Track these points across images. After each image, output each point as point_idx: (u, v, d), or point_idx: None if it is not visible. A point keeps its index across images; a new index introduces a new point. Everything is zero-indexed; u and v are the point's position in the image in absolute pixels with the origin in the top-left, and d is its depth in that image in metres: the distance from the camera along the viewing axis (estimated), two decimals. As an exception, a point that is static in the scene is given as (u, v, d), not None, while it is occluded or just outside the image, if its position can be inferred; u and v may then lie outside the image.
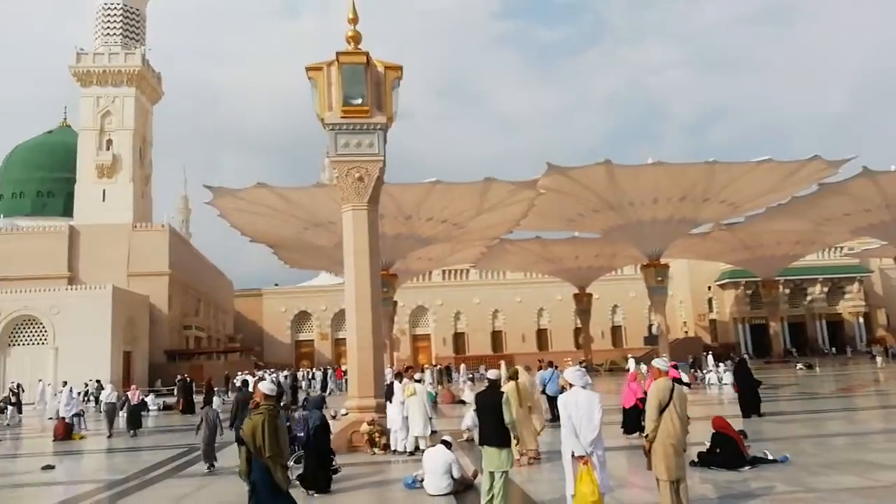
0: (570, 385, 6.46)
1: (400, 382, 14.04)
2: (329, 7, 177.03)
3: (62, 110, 67.17)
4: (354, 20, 14.88)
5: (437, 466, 8.79)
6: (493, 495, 7.13)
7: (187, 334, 56.80)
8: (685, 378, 27.03)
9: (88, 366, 38.36)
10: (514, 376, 10.97)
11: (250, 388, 16.83)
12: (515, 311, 70.97)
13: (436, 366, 41.23)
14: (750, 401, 16.68)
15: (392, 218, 31.48)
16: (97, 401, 29.82)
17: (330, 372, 41.21)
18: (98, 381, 33.76)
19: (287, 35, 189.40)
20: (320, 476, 9.47)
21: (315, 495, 9.11)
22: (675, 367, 20.04)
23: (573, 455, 5.97)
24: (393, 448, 12.94)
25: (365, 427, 13.28)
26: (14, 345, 41.52)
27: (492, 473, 7.16)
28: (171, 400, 31.88)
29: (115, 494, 10.60)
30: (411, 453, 12.47)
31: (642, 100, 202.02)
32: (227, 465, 13.19)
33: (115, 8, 57.09)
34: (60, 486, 12.06)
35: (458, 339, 72.13)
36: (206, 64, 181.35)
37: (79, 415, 21.69)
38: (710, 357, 36.87)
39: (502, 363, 24.71)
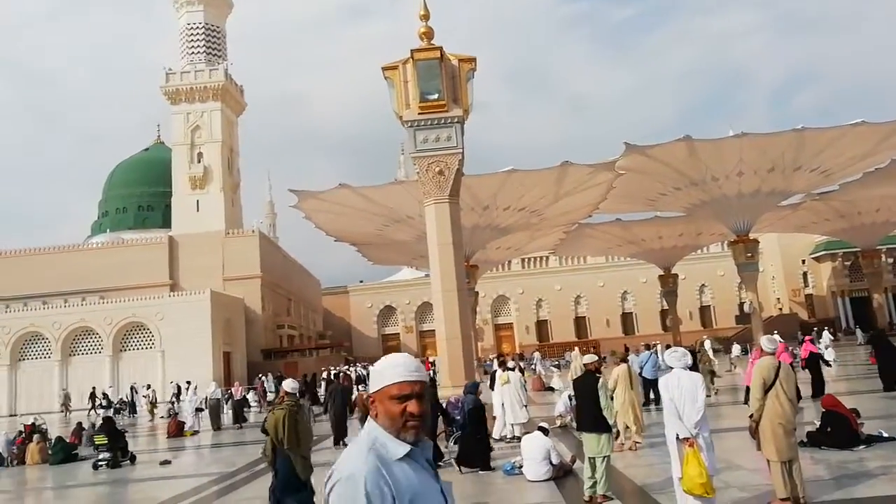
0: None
1: (503, 371, 14.26)
2: (398, 7, 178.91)
3: (156, 128, 71.37)
4: (426, 16, 15.06)
5: (535, 453, 8.87)
6: (595, 481, 7.14)
7: (280, 333, 59.17)
8: (830, 355, 25.78)
9: (192, 367, 40.62)
10: (624, 359, 10.90)
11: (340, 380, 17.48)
12: (598, 295, 69.84)
13: (512, 355, 41.14)
14: (890, 373, 15.81)
15: (469, 209, 31.61)
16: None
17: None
18: (188, 382, 35.92)
19: (359, 38, 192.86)
20: (478, 454, 9.93)
21: (479, 472, 9.65)
22: (811, 341, 19.25)
23: (678, 437, 5.92)
24: (493, 435, 13.14)
25: (459, 416, 13.52)
26: (125, 350, 44.56)
27: (592, 459, 7.18)
28: (270, 397, 33.33)
29: (227, 486, 11.27)
30: (509, 440, 12.62)
31: (720, 71, 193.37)
32: (319, 459, 13.76)
33: (198, 27, 59.89)
34: (178, 479, 12.87)
35: (541, 327, 71.72)
36: (284, 73, 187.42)
37: (199, 409, 22.97)
38: (825, 333, 35.36)
39: (575, 349, 24.39)
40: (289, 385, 7.56)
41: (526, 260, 71.68)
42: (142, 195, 64.61)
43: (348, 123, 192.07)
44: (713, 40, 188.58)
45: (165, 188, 58.57)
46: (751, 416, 6.25)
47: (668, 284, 52.41)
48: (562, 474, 8.89)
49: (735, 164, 32.43)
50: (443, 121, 14.60)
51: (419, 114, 14.60)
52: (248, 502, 9.64)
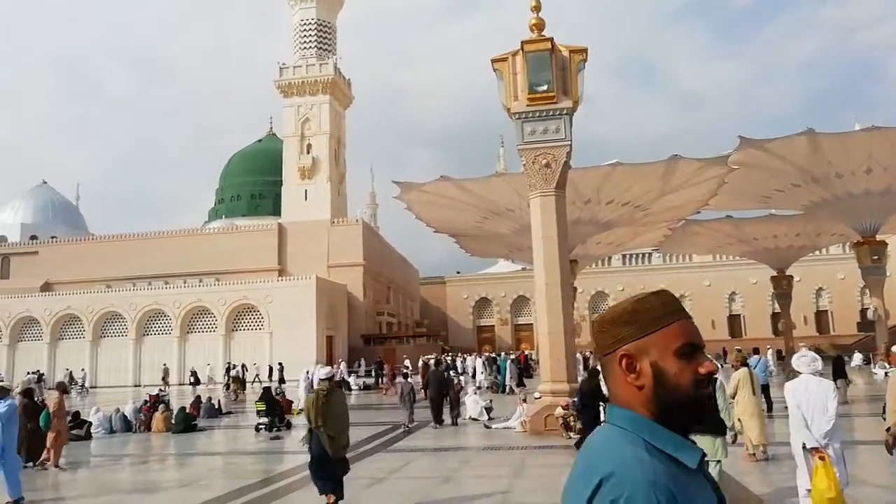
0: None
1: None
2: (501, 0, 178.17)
3: (269, 121, 74.97)
4: (537, 7, 14.92)
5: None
6: None
7: (380, 320, 60.78)
8: None
9: (298, 349, 42.53)
10: (744, 362, 10.27)
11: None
12: (703, 295, 66.94)
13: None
14: None
15: (570, 203, 30.82)
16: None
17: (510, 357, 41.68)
18: (280, 364, 37.75)
19: (462, 32, 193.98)
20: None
21: None
22: None
23: (804, 447, 5.60)
24: None
25: (559, 411, 13.39)
26: (237, 329, 47.24)
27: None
28: (370, 381, 34.40)
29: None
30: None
31: (846, 63, 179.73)
32: (426, 444, 14.06)
33: (310, 23, 62.22)
34: (287, 454, 13.56)
35: (642, 326, 69.59)
36: (389, 66, 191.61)
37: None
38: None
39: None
40: (323, 372, 8.41)
41: (627, 256, 69.84)
42: (255, 184, 68.17)
43: (448, 116, 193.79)
44: (837, 30, 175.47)
45: (276, 177, 61.44)
46: (888, 430, 5.82)
47: (782, 286, 49.40)
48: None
49: (863, 160, 30.14)
50: (551, 112, 14.46)
51: (527, 105, 14.52)
52: (357, 481, 9.98)
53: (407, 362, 32.00)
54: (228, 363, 39.88)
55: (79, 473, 11.82)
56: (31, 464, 11.93)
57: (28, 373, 37.41)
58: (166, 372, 40.45)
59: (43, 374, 29.75)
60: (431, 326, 72.31)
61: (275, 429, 16.43)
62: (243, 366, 37.89)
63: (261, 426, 16.50)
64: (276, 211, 61.51)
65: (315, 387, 8.42)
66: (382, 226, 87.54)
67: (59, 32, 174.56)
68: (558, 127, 14.52)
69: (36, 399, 12.74)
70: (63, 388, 13.96)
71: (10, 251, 60.75)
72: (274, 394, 18.44)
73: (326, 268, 54.29)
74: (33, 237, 64.77)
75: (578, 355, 23.56)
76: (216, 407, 20.90)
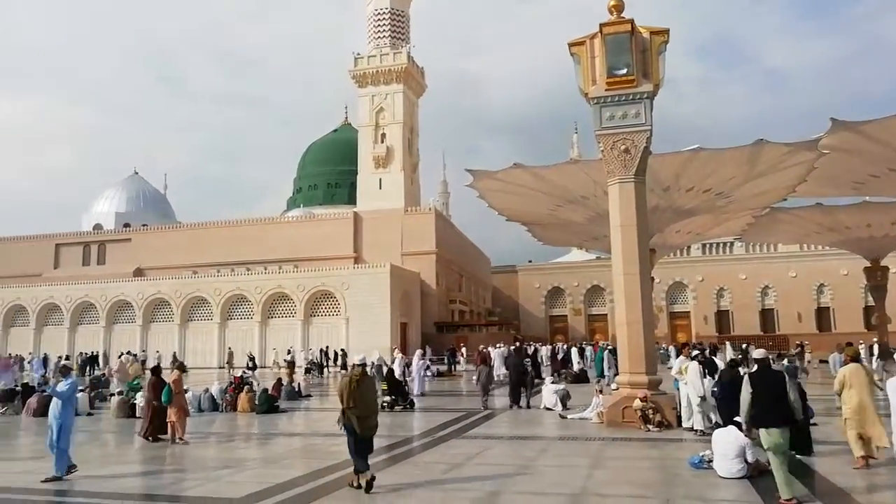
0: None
1: (688, 359, 13.64)
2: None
3: (343, 110, 76.51)
4: (617, -11, 14.53)
5: (728, 449, 8.40)
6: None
7: (452, 308, 61.21)
8: None
9: (373, 334, 43.46)
10: (855, 358, 9.57)
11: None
12: (789, 287, 63.95)
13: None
14: None
15: (649, 190, 29.79)
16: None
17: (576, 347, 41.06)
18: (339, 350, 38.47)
19: (537, 15, 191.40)
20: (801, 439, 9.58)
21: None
22: None
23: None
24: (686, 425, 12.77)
25: (637, 403, 13.15)
26: (315, 315, 48.65)
27: (772, 453, 6.93)
28: (444, 367, 34.73)
29: (408, 450, 11.93)
30: (699, 432, 12.13)
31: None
32: (501, 432, 14.07)
33: (384, 12, 62.92)
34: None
35: (722, 318, 67.30)
36: (461, 53, 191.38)
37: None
38: None
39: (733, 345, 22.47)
40: (356, 358, 9.22)
41: (707, 245, 67.51)
42: (330, 173, 69.82)
43: (521, 104, 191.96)
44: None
45: (352, 167, 62.66)
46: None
47: (876, 278, 46.50)
48: (756, 473, 8.33)
49: (972, 142, 27.91)
50: (631, 97, 14.09)
51: (606, 90, 14.20)
52: (434, 466, 10.12)
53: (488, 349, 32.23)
54: (325, 348, 41.15)
55: (175, 449, 12.49)
56: (166, 437, 12.81)
57: (122, 353, 39.74)
58: (231, 356, 42.19)
59: (136, 355, 31.57)
60: (503, 315, 72.23)
61: (397, 406, 18.11)
62: (322, 351, 39.13)
63: (384, 404, 17.88)
64: (352, 200, 62.80)
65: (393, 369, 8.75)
66: (454, 214, 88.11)
67: (148, 27, 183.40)
68: (638, 111, 14.15)
69: (162, 377, 13.64)
70: (182, 367, 14.94)
71: (105, 238, 64.65)
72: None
73: (400, 256, 55.07)
74: (126, 225, 68.74)
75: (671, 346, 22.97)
76: (296, 390, 21.61)
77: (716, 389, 11.90)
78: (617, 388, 14.50)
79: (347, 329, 46.20)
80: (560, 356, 34.72)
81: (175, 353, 43.32)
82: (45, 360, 38.79)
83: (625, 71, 14.00)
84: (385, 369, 29.40)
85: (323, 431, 15.04)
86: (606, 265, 67.72)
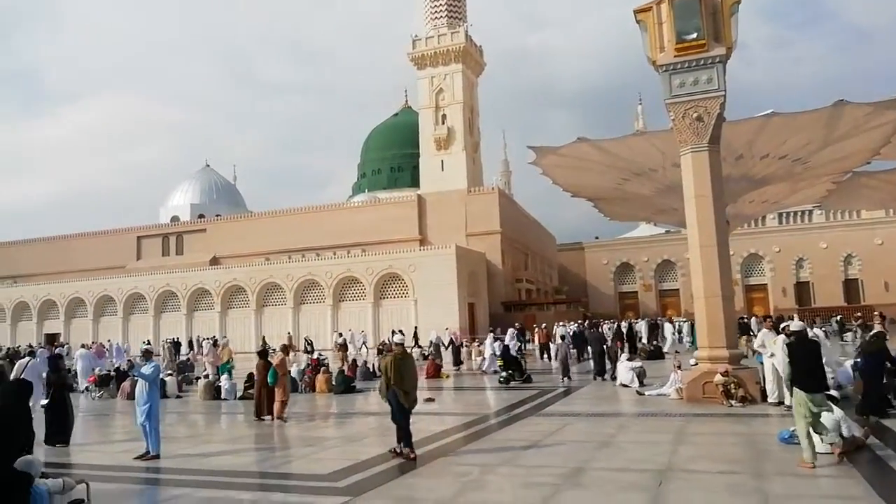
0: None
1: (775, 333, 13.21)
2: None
3: (404, 94, 76.78)
4: (685, -51, 13.94)
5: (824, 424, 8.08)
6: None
7: (518, 287, 60.98)
8: None
9: (441, 315, 43.78)
10: None
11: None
12: (875, 255, 60.63)
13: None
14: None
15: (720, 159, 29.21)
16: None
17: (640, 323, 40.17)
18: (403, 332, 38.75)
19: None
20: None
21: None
22: None
23: None
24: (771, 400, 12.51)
25: (719, 378, 12.82)
26: (384, 297, 49.41)
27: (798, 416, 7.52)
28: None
29: (489, 426, 12.03)
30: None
31: None
32: (579, 409, 13.99)
33: (440, -8, 62.51)
34: (443, 416, 14.06)
35: (801, 289, 64.60)
36: (521, 28, 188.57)
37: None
38: None
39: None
40: (397, 339, 10.07)
41: (784, 215, 64.78)
42: (393, 157, 70.39)
43: (581, 78, 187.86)
44: None
45: (414, 150, 62.95)
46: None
47: (973, 243, 43.67)
48: (852, 448, 8.00)
49: None
50: (702, 62, 13.56)
51: (675, 56, 13.71)
52: (514, 443, 10.17)
53: (568, 326, 32.14)
54: (414, 329, 41.96)
55: (259, 428, 13.00)
56: (268, 417, 13.45)
57: (203, 338, 41.52)
58: (289, 339, 43.40)
59: (217, 340, 32.91)
60: (571, 293, 71.51)
61: (512, 381, 18.87)
62: (393, 332, 39.75)
63: (502, 378, 19.12)
64: (415, 183, 63.17)
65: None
66: (516, 193, 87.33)
67: (219, 23, 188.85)
68: (710, 77, 13.62)
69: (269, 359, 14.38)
70: (286, 350, 15.65)
71: (182, 229, 67.40)
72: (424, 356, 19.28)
73: (465, 236, 55.13)
74: (201, 216, 71.41)
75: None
76: (370, 370, 22.08)
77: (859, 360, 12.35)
78: (696, 364, 14.16)
79: (416, 310, 46.73)
80: (638, 333, 34.27)
81: (290, 333, 45.24)
82: (124, 348, 40.95)
83: (695, 35, 13.48)
84: (444, 347, 29.96)
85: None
86: (677, 239, 66.03)
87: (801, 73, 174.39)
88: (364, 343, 40.57)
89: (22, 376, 12.77)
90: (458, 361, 27.58)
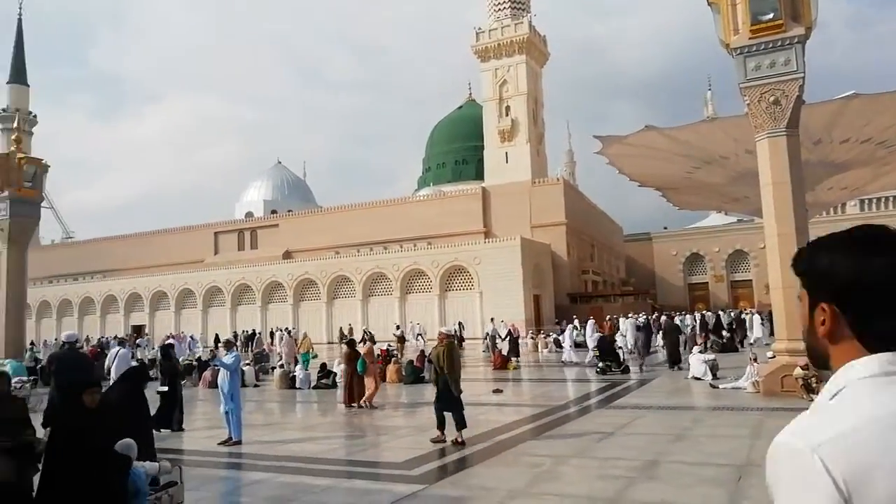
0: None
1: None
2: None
3: (467, 87, 76.82)
4: (760, -74, 13.43)
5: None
6: None
7: (585, 278, 60.20)
8: None
9: (506, 307, 43.75)
10: None
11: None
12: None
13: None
14: None
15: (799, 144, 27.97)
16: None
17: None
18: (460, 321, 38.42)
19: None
20: None
21: None
22: None
23: None
24: None
25: (798, 371, 12.38)
26: (450, 290, 49.75)
27: None
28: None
29: (560, 417, 12.00)
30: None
31: None
32: (650, 402, 13.76)
33: (503, -18, 62.11)
34: (512, 406, 14.12)
35: (889, 280, 61.12)
36: (586, 17, 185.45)
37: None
38: None
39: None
40: (444, 330, 10.85)
41: (866, 201, 61.59)
42: (457, 150, 70.55)
43: (647, 65, 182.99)
44: None
45: (478, 142, 62.92)
46: None
47: None
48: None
49: None
50: (779, 43, 13.06)
51: (750, 38, 13.26)
52: (586, 436, 10.13)
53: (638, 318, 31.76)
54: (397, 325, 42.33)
55: (333, 416, 13.42)
56: (355, 405, 13.98)
57: (277, 328, 42.95)
58: (349, 330, 44.30)
59: (292, 331, 34.00)
60: (638, 285, 70.04)
61: (608, 371, 19.07)
62: (460, 324, 40.15)
63: (599, 368, 19.48)
64: (479, 175, 63.15)
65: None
66: (581, 183, 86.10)
67: (288, 25, 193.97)
68: (788, 58, 13.10)
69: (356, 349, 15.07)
70: (372, 339, 16.23)
71: (256, 225, 69.70)
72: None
73: (530, 228, 54.80)
74: (273, 211, 73.71)
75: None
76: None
77: None
78: (773, 357, 13.71)
79: (481, 302, 46.85)
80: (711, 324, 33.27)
81: (350, 326, 46.50)
82: (193, 340, 42.87)
83: (771, 16, 13.00)
84: (501, 339, 29.93)
85: (467, 401, 15.46)
86: (750, 228, 63.69)
87: (880, 54, 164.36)
88: (420, 335, 40.92)
89: (113, 365, 13.63)
90: (515, 353, 27.14)
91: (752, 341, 27.99)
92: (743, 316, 36.27)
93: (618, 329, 28.34)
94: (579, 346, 30.57)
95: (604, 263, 67.57)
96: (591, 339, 23.79)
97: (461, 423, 9.56)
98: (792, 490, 0.99)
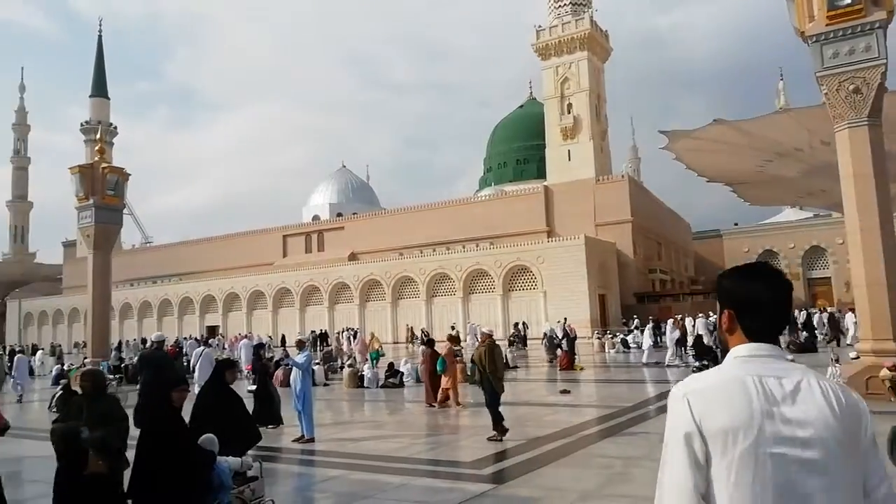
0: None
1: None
2: None
3: (528, 86, 76.44)
4: None
5: None
6: None
7: (652, 277, 58.88)
8: None
9: (570, 307, 43.25)
10: None
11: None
12: None
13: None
14: None
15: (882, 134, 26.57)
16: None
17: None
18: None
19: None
20: None
21: None
22: None
23: None
24: None
25: (885, 373, 11.79)
26: (513, 290, 49.59)
27: None
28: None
29: (630, 419, 11.81)
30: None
31: None
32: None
33: (563, -21, 61.50)
34: (580, 407, 13.97)
35: None
36: (652, 9, 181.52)
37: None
38: None
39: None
40: (486, 329, 11.59)
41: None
42: (518, 149, 70.26)
43: (715, 57, 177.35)
44: None
45: (539, 141, 62.48)
46: None
47: None
48: None
49: None
50: (859, 29, 12.47)
51: (827, 25, 12.71)
52: (651, 436, 9.95)
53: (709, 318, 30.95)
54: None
55: (402, 415, 13.62)
56: (434, 404, 14.23)
57: (345, 328, 43.86)
58: (410, 332, 44.51)
59: (357, 331, 34.67)
60: (707, 283, 67.92)
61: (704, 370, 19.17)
62: (524, 324, 40.00)
63: (695, 368, 19.38)
64: (541, 174, 62.71)
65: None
66: (646, 180, 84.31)
67: (351, 31, 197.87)
68: (868, 44, 12.49)
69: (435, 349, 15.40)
70: (454, 340, 16.55)
71: (323, 228, 71.33)
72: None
73: (594, 226, 54.05)
74: (339, 214, 75.29)
75: None
76: (504, 361, 22.29)
77: None
78: (857, 357, 13.09)
79: (545, 302, 46.50)
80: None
81: (409, 325, 47.48)
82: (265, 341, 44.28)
83: (849, 0, 12.41)
84: (557, 339, 29.56)
85: (534, 401, 15.44)
86: (828, 223, 60.89)
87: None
88: (475, 335, 41.01)
89: (197, 364, 14.25)
90: (572, 353, 26.74)
91: (849, 341, 26.77)
92: (837, 316, 34.59)
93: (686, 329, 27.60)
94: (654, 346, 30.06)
95: (671, 262, 65.92)
96: (671, 338, 23.34)
97: (498, 419, 9.98)
98: (671, 417, 1.67)
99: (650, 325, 25.69)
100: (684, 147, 32.52)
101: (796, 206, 57.40)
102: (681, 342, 27.16)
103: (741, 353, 1.73)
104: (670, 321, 24.71)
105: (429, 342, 15.60)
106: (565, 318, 37.52)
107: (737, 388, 1.62)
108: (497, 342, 11.26)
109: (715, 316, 32.79)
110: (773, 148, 30.67)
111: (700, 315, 32.88)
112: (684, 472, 1.58)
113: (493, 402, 10.08)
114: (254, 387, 12.45)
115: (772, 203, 53.06)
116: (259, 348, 13.49)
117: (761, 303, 1.75)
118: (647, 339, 24.00)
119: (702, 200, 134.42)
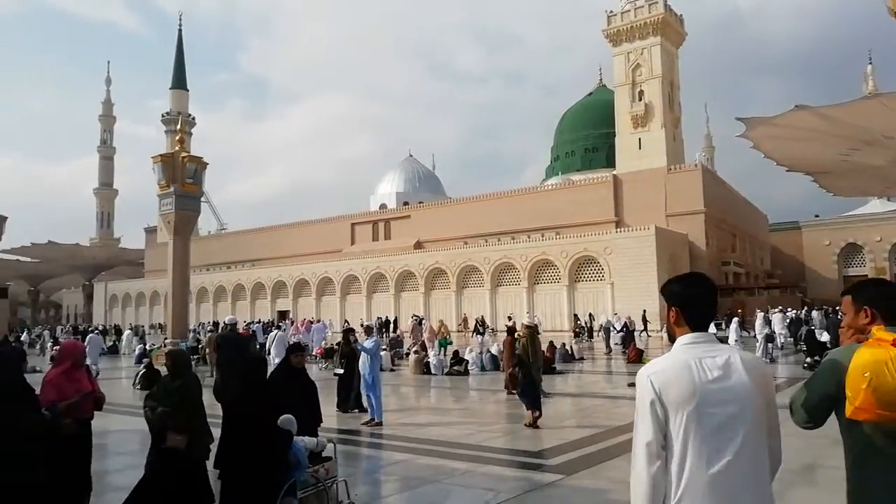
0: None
1: None
2: None
3: (598, 72, 75.01)
4: None
5: None
6: None
7: (725, 270, 56.95)
8: None
9: (639, 299, 42.34)
10: None
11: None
12: None
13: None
14: None
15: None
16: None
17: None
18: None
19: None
20: None
21: None
22: None
23: None
24: None
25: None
26: (579, 281, 48.97)
27: None
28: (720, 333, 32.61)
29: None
30: None
31: None
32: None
33: (636, -40, 59.83)
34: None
35: None
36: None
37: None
38: None
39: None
40: (526, 320, 12.36)
41: None
42: (587, 138, 69.12)
43: (798, 38, 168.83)
44: None
45: (608, 129, 61.26)
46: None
47: None
48: None
49: None
50: (962, 8, 11.64)
51: (925, 5, 11.94)
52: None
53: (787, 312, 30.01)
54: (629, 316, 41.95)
55: (467, 402, 13.73)
56: (514, 392, 13.94)
57: (414, 316, 44.49)
58: (464, 320, 44.36)
59: (423, 318, 35.02)
60: (785, 277, 65.36)
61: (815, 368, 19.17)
62: (591, 315, 39.51)
63: (805, 365, 19.05)
64: (610, 163, 61.53)
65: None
66: (721, 169, 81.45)
67: (417, 21, 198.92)
68: (973, 25, 11.66)
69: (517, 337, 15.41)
70: (534, 329, 16.67)
71: (389, 216, 72.34)
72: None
73: (664, 217, 52.68)
74: (405, 203, 76.13)
75: None
76: (570, 353, 22.14)
77: None
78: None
79: (613, 293, 45.70)
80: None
81: (465, 315, 47.81)
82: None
83: (952, -23, 11.61)
84: (616, 331, 29.13)
85: (601, 393, 15.29)
86: (921, 214, 57.44)
87: None
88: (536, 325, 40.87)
89: (273, 345, 14.80)
90: (626, 346, 26.12)
91: None
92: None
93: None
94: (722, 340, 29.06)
95: (746, 254, 63.62)
96: (761, 333, 22.43)
97: (534, 407, 10.49)
98: (640, 392, 2.29)
99: (736, 319, 24.43)
100: (763, 135, 31.31)
101: (884, 196, 54.42)
102: (769, 338, 26.08)
103: (685, 340, 2.34)
104: (760, 315, 23.47)
105: (510, 329, 15.53)
106: (644, 311, 36.93)
107: (683, 369, 2.25)
108: (560, 334, 11.38)
109: (792, 311, 31.61)
110: (860, 135, 29.12)
111: (776, 310, 31.62)
112: (651, 427, 2.22)
113: (530, 390, 10.56)
114: (341, 370, 12.77)
115: (857, 194, 50.49)
116: (349, 333, 13.76)
117: (699, 302, 2.40)
118: (732, 334, 22.81)
119: (780, 191, 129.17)
